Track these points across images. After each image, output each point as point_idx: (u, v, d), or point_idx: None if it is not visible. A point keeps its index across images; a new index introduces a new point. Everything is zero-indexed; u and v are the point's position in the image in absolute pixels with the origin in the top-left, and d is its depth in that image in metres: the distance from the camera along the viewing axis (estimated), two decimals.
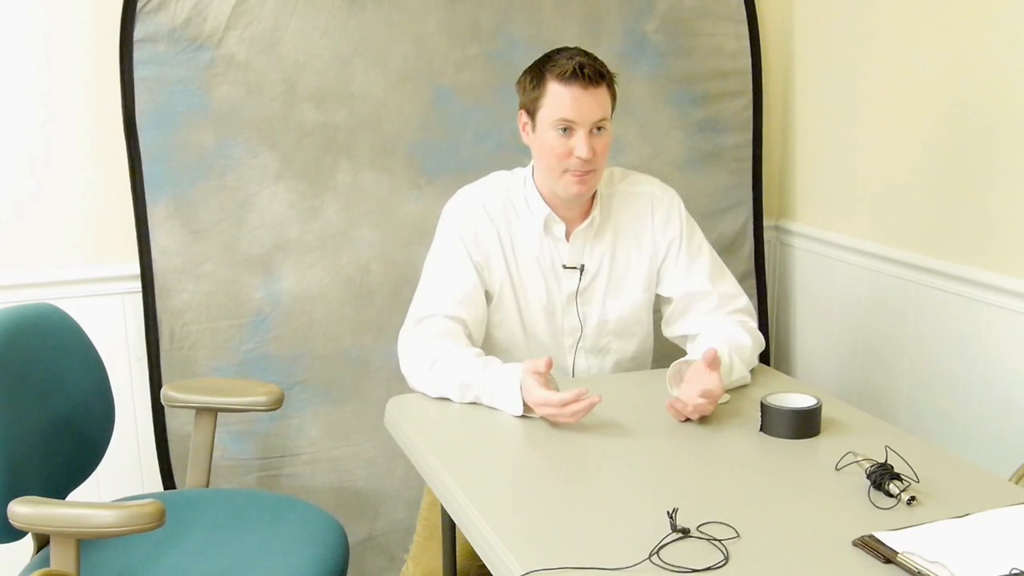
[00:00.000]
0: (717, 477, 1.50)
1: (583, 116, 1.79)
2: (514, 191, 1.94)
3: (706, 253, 1.99)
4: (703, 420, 1.69)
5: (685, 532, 1.28)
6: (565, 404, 1.62)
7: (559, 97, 1.80)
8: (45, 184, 2.28)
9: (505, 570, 1.25)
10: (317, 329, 2.40)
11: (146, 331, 2.31)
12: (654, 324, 2.05)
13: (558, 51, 1.84)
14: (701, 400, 1.64)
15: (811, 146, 2.70)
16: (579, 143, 1.79)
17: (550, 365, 1.68)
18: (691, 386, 1.68)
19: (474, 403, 1.78)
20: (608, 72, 1.83)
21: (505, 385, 1.71)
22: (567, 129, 1.81)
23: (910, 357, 2.33)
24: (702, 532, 1.29)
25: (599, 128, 1.82)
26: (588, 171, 1.82)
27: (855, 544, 1.26)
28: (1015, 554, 1.20)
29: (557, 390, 1.67)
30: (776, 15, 2.74)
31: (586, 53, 1.83)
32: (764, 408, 1.64)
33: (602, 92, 1.81)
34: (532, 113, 1.85)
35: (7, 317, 1.79)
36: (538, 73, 1.83)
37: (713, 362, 1.66)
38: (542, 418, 1.69)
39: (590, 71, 1.78)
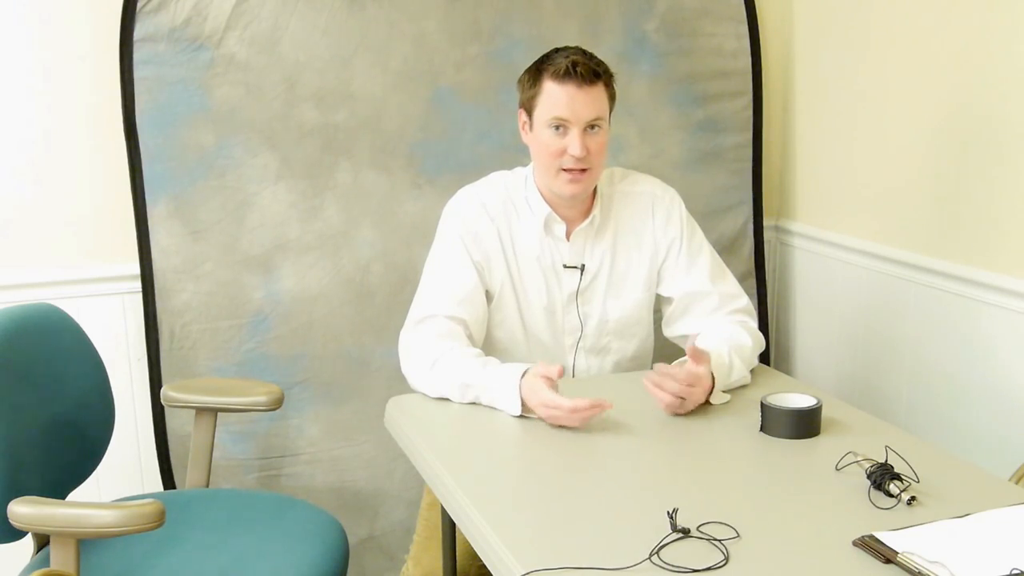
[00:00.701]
0: (717, 477, 1.50)
1: (576, 114, 1.79)
2: (514, 191, 1.94)
3: (706, 253, 1.99)
4: (703, 420, 1.69)
5: (685, 532, 1.28)
6: (576, 411, 1.62)
7: (554, 95, 1.80)
8: (45, 184, 2.28)
9: (505, 570, 1.25)
10: (317, 329, 2.40)
11: (146, 331, 2.31)
12: (654, 324, 2.05)
13: (557, 50, 1.85)
14: (657, 376, 1.66)
15: (811, 146, 2.70)
16: (572, 141, 1.80)
17: (562, 374, 1.67)
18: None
19: (474, 403, 1.78)
20: (605, 71, 1.83)
21: (504, 385, 1.71)
22: (561, 127, 1.81)
23: (910, 357, 2.33)
24: (702, 532, 1.29)
25: (594, 127, 1.82)
26: (583, 169, 1.82)
27: (855, 544, 1.26)
28: (1015, 554, 1.20)
29: (557, 391, 1.67)
30: (776, 15, 2.74)
31: (584, 52, 1.83)
32: (764, 408, 1.64)
33: (597, 91, 1.81)
34: (530, 112, 1.86)
35: (7, 317, 1.79)
36: (535, 72, 1.84)
37: (700, 358, 1.68)
38: (541, 418, 1.69)
39: (583, 69, 1.79)
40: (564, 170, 1.82)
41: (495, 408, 1.75)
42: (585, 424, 1.65)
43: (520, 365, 1.73)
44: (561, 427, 1.66)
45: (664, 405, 1.69)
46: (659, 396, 1.69)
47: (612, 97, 1.86)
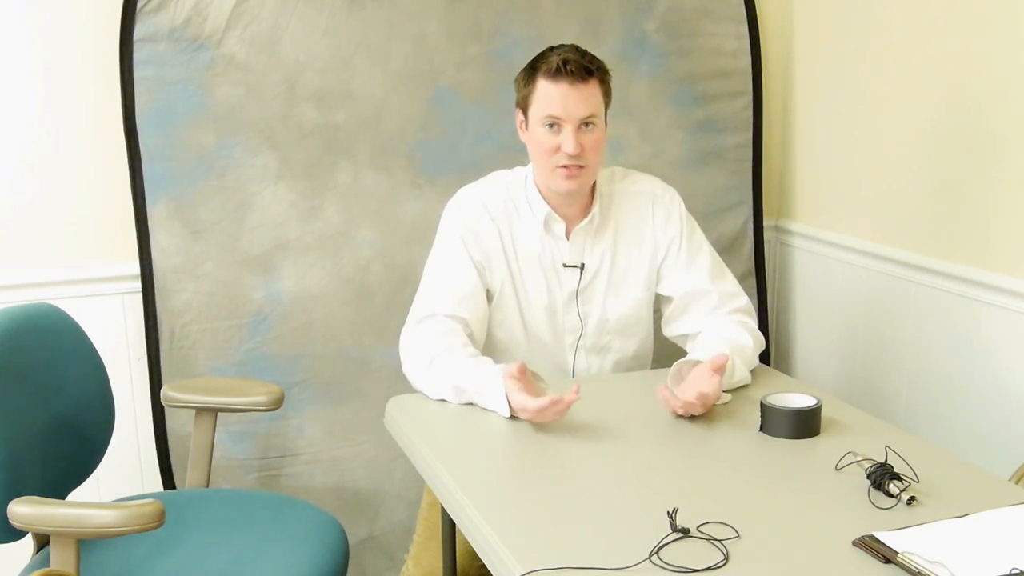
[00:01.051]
0: (717, 477, 1.50)
1: (569, 112, 1.80)
2: (515, 190, 1.94)
3: (706, 252, 1.99)
4: (703, 420, 1.68)
5: (685, 532, 1.28)
6: (542, 410, 1.62)
7: (547, 94, 1.81)
8: (45, 184, 2.28)
9: (505, 570, 1.25)
10: (317, 329, 2.40)
11: (146, 331, 2.31)
12: (654, 323, 2.05)
13: (551, 49, 1.85)
14: (692, 399, 1.63)
15: (811, 146, 2.70)
16: (566, 139, 1.80)
17: (523, 370, 1.67)
18: (691, 388, 1.68)
19: (470, 404, 1.78)
20: (599, 68, 1.83)
21: (493, 388, 1.71)
22: (555, 125, 1.81)
23: (910, 357, 2.33)
24: (702, 532, 1.29)
25: (588, 124, 1.82)
26: (578, 166, 1.82)
27: (855, 544, 1.26)
28: (1015, 554, 1.20)
29: (546, 385, 1.68)
30: (776, 15, 2.74)
31: (577, 49, 1.84)
32: (764, 408, 1.64)
33: (591, 88, 1.81)
34: (525, 111, 1.87)
35: (7, 317, 1.79)
36: (530, 71, 1.85)
37: (720, 368, 1.66)
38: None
39: (574, 67, 1.79)
40: (560, 167, 1.83)
41: (489, 410, 1.75)
42: (562, 417, 1.64)
43: (504, 366, 1.72)
44: (549, 428, 1.66)
45: (668, 408, 1.70)
46: (668, 405, 1.69)
47: (607, 94, 1.86)
